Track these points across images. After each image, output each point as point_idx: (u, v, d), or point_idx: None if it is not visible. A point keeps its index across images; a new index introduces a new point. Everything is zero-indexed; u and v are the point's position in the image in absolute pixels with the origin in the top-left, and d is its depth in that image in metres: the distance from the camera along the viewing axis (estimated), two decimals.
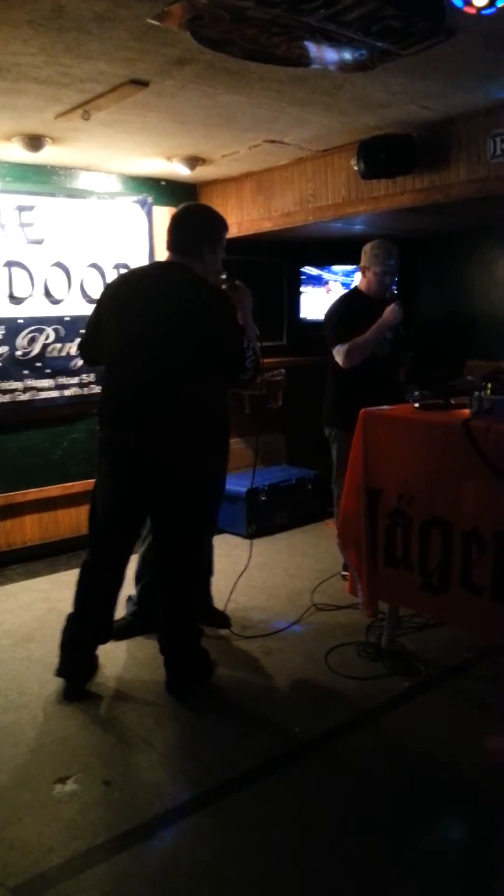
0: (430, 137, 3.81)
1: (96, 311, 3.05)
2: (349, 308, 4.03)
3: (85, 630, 3.09)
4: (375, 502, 3.04)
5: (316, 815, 2.31)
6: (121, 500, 2.97)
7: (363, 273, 4.04)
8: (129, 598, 3.59)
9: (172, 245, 2.95)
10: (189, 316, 2.79)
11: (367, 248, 4.00)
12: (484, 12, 1.97)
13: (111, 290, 3.02)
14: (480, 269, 5.68)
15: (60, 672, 3.06)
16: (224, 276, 3.09)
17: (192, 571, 3.05)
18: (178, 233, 2.94)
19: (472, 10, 1.98)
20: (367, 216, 4.36)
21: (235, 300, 2.99)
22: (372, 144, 3.87)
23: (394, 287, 4.07)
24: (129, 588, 3.40)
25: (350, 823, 2.29)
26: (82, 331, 4.67)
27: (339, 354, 3.91)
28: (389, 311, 3.84)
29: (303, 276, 6.12)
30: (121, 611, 3.39)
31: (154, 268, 2.99)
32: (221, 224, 3.02)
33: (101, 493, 3.02)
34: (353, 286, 4.26)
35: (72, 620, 3.09)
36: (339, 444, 4.15)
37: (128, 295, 2.93)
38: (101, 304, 3.02)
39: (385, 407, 3.11)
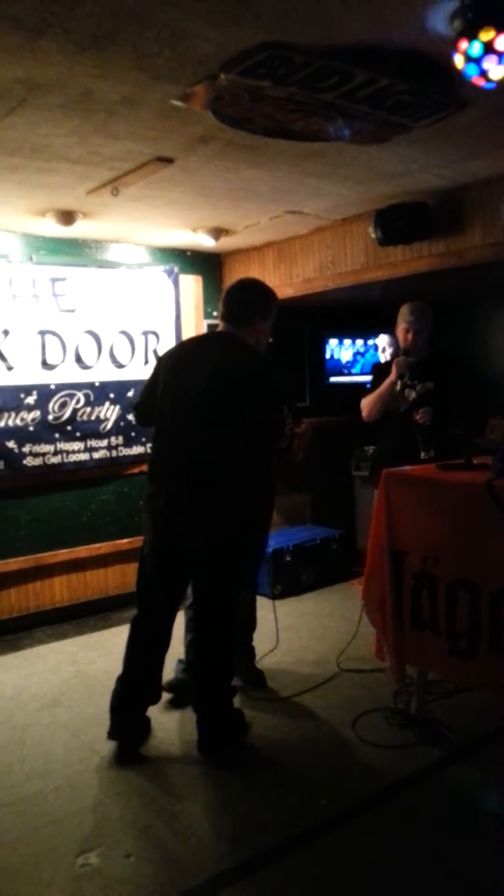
0: (445, 204, 3.90)
1: (153, 374, 3.21)
2: (384, 365, 4.15)
3: (134, 689, 3.09)
4: (400, 564, 2.99)
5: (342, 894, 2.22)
6: (161, 554, 3.06)
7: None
8: (179, 661, 3.56)
9: (225, 315, 3.12)
10: (235, 380, 2.92)
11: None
12: (486, 86, 2.02)
13: (167, 357, 3.20)
14: (500, 328, 5.72)
15: (112, 735, 3.06)
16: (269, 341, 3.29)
17: (227, 628, 3.06)
18: (230, 304, 3.12)
19: (481, 82, 2.03)
20: (387, 281, 4.43)
21: None
22: (388, 213, 3.96)
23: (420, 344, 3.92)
24: (177, 651, 3.37)
25: None
26: (129, 393, 4.90)
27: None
28: (394, 363, 3.87)
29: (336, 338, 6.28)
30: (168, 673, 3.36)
31: (207, 336, 3.21)
32: (271, 296, 3.20)
33: (146, 546, 3.11)
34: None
35: (120, 680, 3.10)
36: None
37: (180, 361, 3.11)
38: (157, 369, 3.18)
39: (407, 467, 3.10)
